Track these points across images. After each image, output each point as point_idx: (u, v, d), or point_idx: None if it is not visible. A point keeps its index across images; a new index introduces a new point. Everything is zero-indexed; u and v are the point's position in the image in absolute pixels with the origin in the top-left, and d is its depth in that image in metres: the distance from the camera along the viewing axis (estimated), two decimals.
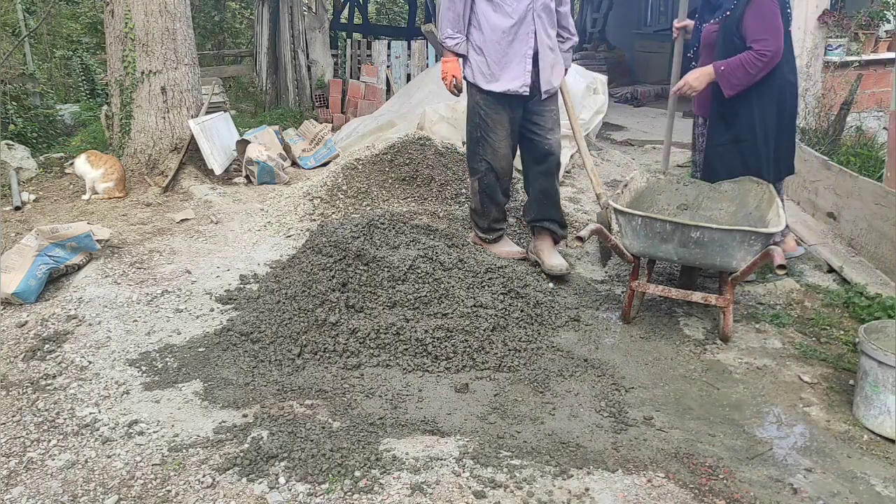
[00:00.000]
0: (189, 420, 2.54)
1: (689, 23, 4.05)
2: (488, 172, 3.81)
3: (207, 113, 6.42)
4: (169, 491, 2.15)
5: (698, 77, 3.52)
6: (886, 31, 6.50)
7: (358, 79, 10.21)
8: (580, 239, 3.06)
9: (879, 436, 2.49)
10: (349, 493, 2.12)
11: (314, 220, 4.71)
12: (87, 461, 2.30)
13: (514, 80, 3.59)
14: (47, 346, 3.08)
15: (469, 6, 3.61)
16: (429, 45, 9.68)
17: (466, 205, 4.97)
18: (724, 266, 3.05)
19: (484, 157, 3.77)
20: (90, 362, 2.96)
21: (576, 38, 3.94)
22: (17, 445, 2.39)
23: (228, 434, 2.43)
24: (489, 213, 3.93)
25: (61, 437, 2.44)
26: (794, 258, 3.95)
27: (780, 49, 3.35)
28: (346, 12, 14.60)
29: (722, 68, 3.42)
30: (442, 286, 3.36)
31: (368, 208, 4.80)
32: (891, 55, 6.32)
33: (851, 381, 2.81)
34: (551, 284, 3.75)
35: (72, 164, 5.70)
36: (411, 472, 2.22)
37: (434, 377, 2.87)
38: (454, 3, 3.59)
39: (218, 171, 5.97)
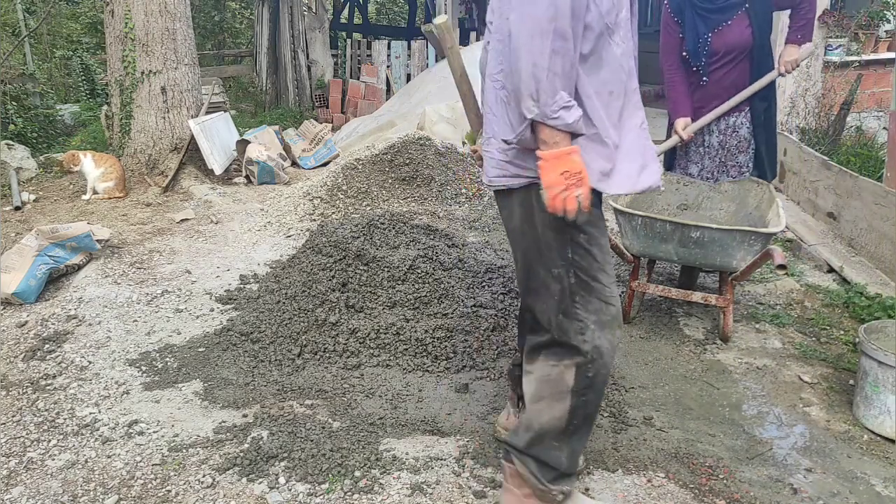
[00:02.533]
0: (189, 420, 2.54)
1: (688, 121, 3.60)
2: (599, 355, 1.84)
3: (207, 113, 6.43)
4: (169, 491, 2.15)
5: (794, 56, 3.46)
6: (886, 31, 6.51)
7: (358, 79, 10.21)
8: None
9: (879, 436, 2.49)
10: (349, 493, 2.12)
11: (314, 220, 4.72)
12: (87, 461, 2.30)
13: (649, 170, 1.84)
14: (47, 346, 3.08)
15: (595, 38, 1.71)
16: (429, 45, 9.69)
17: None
18: (724, 266, 3.05)
19: (588, 322, 1.83)
20: (90, 362, 2.96)
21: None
22: (17, 445, 2.39)
23: (228, 434, 2.43)
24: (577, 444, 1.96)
25: (61, 437, 2.44)
26: None
27: None
28: (346, 12, 14.61)
29: (801, 35, 3.43)
30: (442, 286, 3.36)
31: (368, 208, 4.80)
32: (891, 55, 6.32)
33: (851, 381, 2.81)
34: None
35: (79, 162, 5.61)
36: (411, 472, 2.22)
37: (434, 377, 2.86)
38: (566, 38, 1.60)
39: (218, 171, 5.98)
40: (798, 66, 3.50)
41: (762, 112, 3.54)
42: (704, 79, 3.50)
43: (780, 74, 3.46)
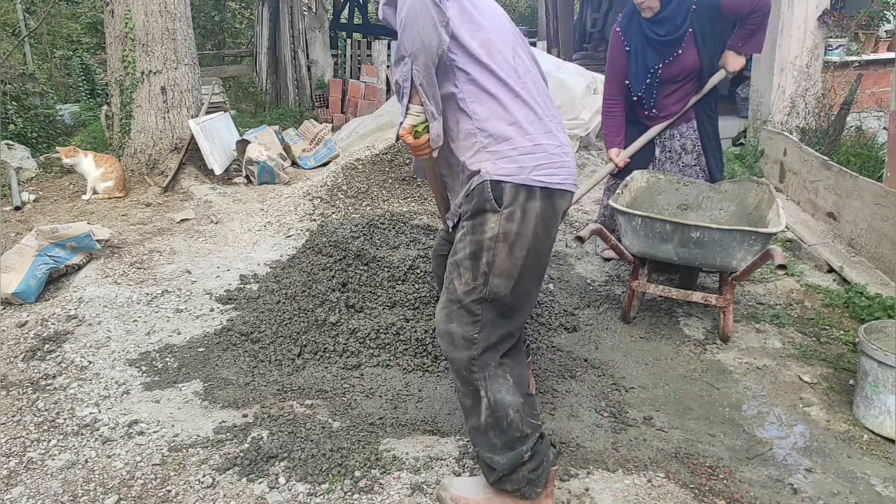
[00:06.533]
0: (189, 420, 2.54)
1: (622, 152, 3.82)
2: None
3: (207, 113, 6.43)
4: (169, 491, 2.15)
5: (738, 61, 3.57)
6: (886, 31, 6.50)
7: (358, 79, 10.21)
8: (580, 239, 3.06)
9: (879, 436, 2.49)
10: (349, 493, 2.12)
11: (314, 220, 4.72)
12: (87, 461, 2.30)
13: None
14: (47, 346, 3.08)
15: None
16: None
17: None
18: (724, 266, 3.05)
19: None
20: (90, 362, 2.96)
21: None
22: (17, 445, 2.39)
23: (228, 434, 2.43)
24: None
25: (61, 437, 2.44)
26: None
27: None
28: (346, 12, 14.60)
29: (741, 44, 3.51)
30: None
31: (368, 208, 4.80)
32: (891, 55, 6.31)
33: (851, 381, 2.81)
34: (551, 285, 3.75)
35: (74, 156, 5.58)
36: (411, 472, 2.22)
37: (434, 377, 2.86)
38: None
39: (218, 171, 5.98)
40: (737, 73, 3.63)
41: (706, 121, 3.73)
42: (654, 111, 3.67)
43: (727, 76, 3.62)
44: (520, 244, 1.91)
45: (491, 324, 1.95)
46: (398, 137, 1.96)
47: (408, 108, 1.92)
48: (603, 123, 3.88)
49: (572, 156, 2.03)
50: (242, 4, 14.38)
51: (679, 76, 3.57)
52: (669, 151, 3.81)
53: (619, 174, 3.83)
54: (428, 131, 1.94)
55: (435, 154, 2.01)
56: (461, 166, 2.00)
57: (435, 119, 1.91)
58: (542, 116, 1.97)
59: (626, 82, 3.66)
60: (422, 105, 1.90)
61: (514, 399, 1.95)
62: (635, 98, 3.66)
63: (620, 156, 3.78)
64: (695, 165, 3.80)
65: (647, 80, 3.57)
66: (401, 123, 1.94)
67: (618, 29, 3.65)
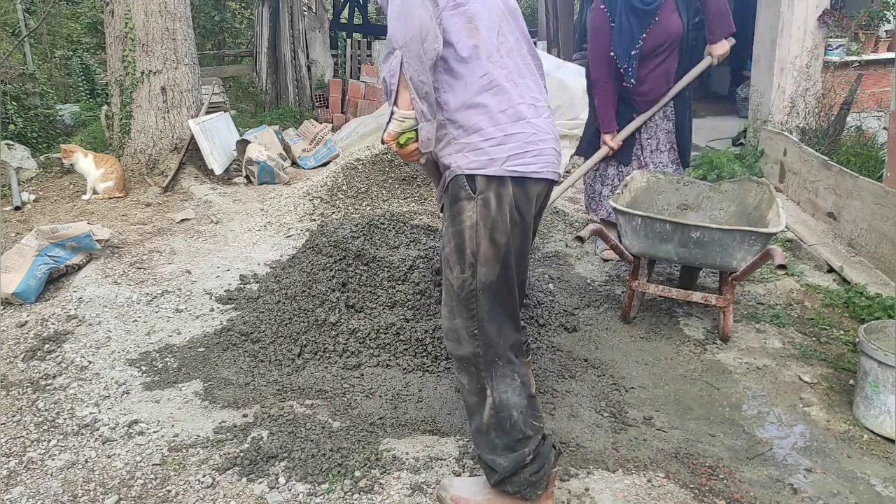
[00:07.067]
0: (189, 420, 2.54)
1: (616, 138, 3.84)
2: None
3: (207, 113, 6.43)
4: (169, 491, 2.15)
5: (721, 46, 3.70)
6: (886, 31, 6.49)
7: (358, 79, 10.22)
8: (580, 239, 3.06)
9: (879, 436, 2.49)
10: (349, 493, 2.12)
11: (314, 220, 4.72)
12: (87, 461, 2.30)
13: None
14: (47, 346, 3.08)
15: None
16: None
17: None
18: (724, 266, 3.05)
19: None
20: (90, 362, 2.96)
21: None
22: (17, 445, 2.39)
23: (228, 434, 2.43)
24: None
25: (61, 437, 2.44)
26: None
27: None
28: (346, 12, 14.60)
29: (718, 31, 3.67)
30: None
31: (368, 208, 4.80)
32: (891, 55, 6.31)
33: (851, 381, 2.81)
34: (552, 285, 3.75)
35: (70, 156, 5.62)
36: (411, 472, 2.22)
37: (434, 377, 2.86)
38: None
39: (218, 171, 5.98)
40: (726, 57, 3.78)
41: (680, 104, 3.84)
42: (633, 81, 3.67)
43: (713, 64, 3.76)
44: (499, 230, 1.86)
45: (488, 316, 1.92)
46: (383, 142, 1.88)
47: (392, 112, 1.80)
48: (598, 105, 3.82)
49: (553, 140, 1.95)
50: (242, 4, 14.37)
51: (664, 44, 3.60)
52: (654, 123, 3.88)
53: (612, 157, 3.90)
54: (415, 139, 1.83)
55: (423, 161, 1.95)
56: (434, 156, 1.95)
57: (427, 120, 1.80)
58: (516, 103, 1.88)
59: (612, 54, 3.63)
60: (409, 108, 1.77)
61: (520, 400, 1.93)
62: (621, 70, 3.66)
63: (616, 138, 3.81)
64: (670, 132, 3.90)
65: (633, 52, 3.59)
66: (386, 125, 1.82)
67: (602, 6, 3.64)
